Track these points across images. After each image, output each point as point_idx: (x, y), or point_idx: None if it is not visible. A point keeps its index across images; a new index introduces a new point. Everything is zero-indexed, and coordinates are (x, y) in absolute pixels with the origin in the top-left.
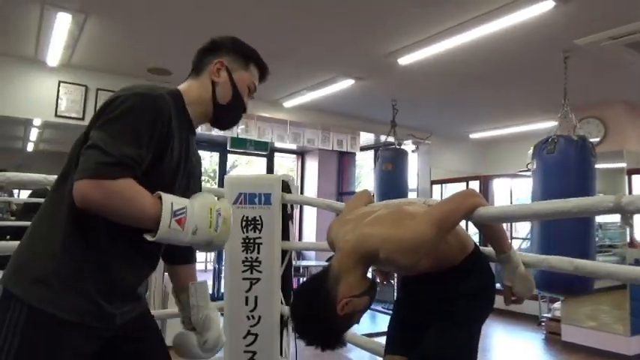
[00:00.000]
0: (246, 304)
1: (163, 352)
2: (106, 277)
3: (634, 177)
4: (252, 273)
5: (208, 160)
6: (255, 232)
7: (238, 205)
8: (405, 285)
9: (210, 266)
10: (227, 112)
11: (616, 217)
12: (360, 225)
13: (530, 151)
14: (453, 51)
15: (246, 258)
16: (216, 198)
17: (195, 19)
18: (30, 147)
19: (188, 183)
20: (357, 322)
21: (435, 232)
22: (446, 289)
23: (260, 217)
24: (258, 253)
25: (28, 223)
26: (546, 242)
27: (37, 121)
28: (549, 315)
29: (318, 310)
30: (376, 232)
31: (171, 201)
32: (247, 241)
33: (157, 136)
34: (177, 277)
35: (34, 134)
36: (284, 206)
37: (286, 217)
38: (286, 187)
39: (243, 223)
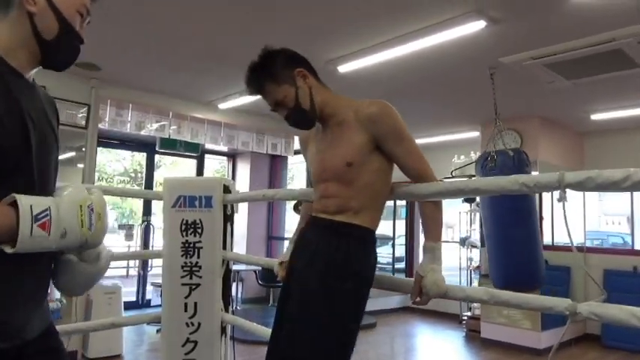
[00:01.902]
0: (185, 310)
1: None
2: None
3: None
4: (191, 278)
5: (129, 159)
6: (195, 236)
7: (177, 209)
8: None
9: (133, 272)
10: (58, 49)
11: None
12: None
13: (455, 159)
14: (390, 62)
15: (185, 263)
16: (85, 189)
17: (130, 14)
18: None
19: (48, 159)
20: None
21: (413, 140)
22: (345, 252)
23: (200, 220)
24: (199, 257)
25: None
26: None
27: None
28: (469, 313)
29: (279, 55)
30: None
31: (29, 204)
32: (187, 245)
33: None
34: None
35: None
36: (224, 208)
37: (226, 220)
38: (226, 190)
39: (183, 226)
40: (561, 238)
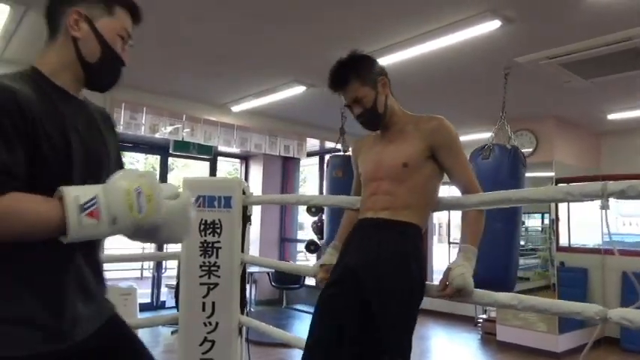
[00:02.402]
0: (203, 310)
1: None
2: (40, 290)
3: (561, 185)
4: (209, 278)
5: (143, 162)
6: (214, 236)
7: (196, 208)
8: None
9: (147, 274)
10: (101, 71)
11: (537, 222)
12: None
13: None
14: (404, 63)
15: (203, 262)
16: (135, 174)
17: (143, 18)
18: None
19: (97, 174)
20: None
21: (464, 154)
22: (403, 247)
23: (219, 220)
24: (217, 257)
25: None
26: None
27: None
28: (485, 316)
29: (368, 60)
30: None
31: (74, 194)
32: (205, 245)
33: (16, 134)
34: None
35: None
36: (244, 209)
37: (245, 222)
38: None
39: (202, 226)
40: (578, 240)
